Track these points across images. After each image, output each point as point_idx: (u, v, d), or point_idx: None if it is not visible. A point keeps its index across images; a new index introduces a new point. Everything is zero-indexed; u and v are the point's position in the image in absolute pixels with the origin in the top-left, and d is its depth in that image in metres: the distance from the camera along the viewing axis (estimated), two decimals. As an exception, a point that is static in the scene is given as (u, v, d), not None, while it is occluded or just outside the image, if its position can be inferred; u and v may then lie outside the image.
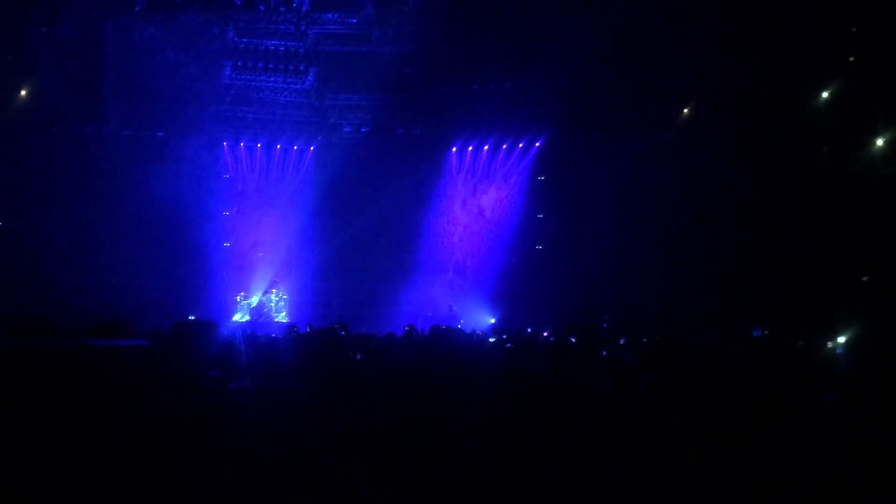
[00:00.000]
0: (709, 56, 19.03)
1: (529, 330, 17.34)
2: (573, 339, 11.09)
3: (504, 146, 25.00)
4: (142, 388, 7.68)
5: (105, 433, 6.83)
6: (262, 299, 24.58)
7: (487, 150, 25.18)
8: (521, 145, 24.75)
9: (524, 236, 24.46)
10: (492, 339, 14.55)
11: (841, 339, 13.18)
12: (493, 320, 23.51)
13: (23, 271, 20.96)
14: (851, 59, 18.12)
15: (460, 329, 18.88)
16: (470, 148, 25.26)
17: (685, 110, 21.26)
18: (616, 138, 21.61)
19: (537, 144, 24.44)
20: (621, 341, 11.28)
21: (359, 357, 10.52)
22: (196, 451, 6.86)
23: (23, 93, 21.44)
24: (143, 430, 6.93)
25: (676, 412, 6.46)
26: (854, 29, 17.59)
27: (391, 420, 7.70)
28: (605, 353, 9.09)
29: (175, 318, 16.28)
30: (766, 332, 12.39)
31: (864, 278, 17.73)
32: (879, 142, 17.90)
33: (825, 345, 12.47)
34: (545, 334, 14.18)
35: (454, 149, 25.28)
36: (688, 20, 18.61)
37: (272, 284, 24.70)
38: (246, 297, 24.75)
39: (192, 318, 21.03)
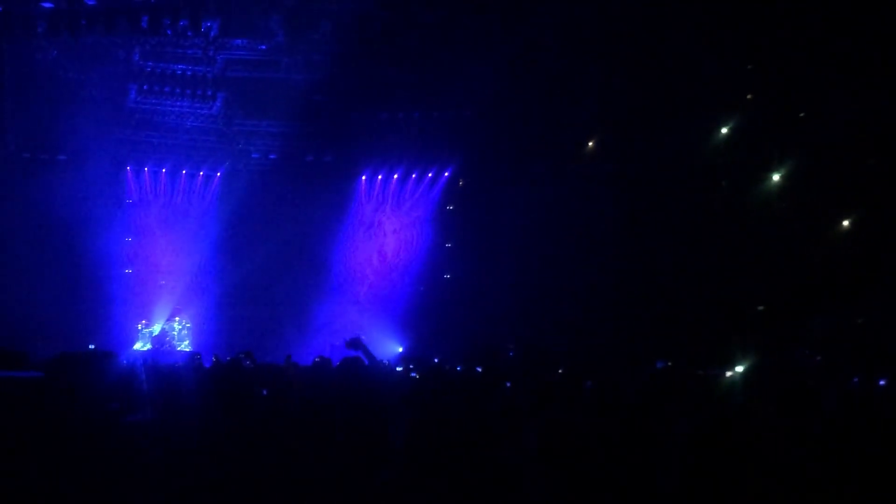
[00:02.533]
0: (611, 88, 19.47)
1: (436, 360, 17.35)
2: (479, 370, 11.13)
3: (413, 175, 25.11)
4: (34, 422, 7.45)
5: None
6: (165, 327, 24.07)
7: (397, 178, 25.24)
8: (430, 175, 24.89)
9: (432, 265, 24.54)
10: (399, 369, 14.49)
11: (739, 369, 13.50)
12: (400, 349, 23.47)
13: None
14: (749, 96, 18.77)
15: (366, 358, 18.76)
16: (379, 176, 25.30)
17: (589, 142, 21.68)
18: (523, 168, 21.89)
19: (446, 174, 24.61)
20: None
21: (265, 392, 10.38)
22: (89, 489, 6.68)
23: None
24: (34, 466, 6.72)
25: (568, 451, 6.57)
26: (750, 66, 18.24)
27: (296, 457, 7.64)
28: (508, 384, 9.17)
29: (73, 347, 15.85)
30: (668, 364, 12.63)
31: (761, 308, 18.29)
32: (775, 177, 18.54)
33: (724, 374, 12.75)
34: (457, 368, 14.20)
35: (363, 177, 25.28)
36: (590, 52, 19.05)
37: (175, 312, 24.21)
38: (148, 325, 24.18)
39: (92, 346, 20.46)
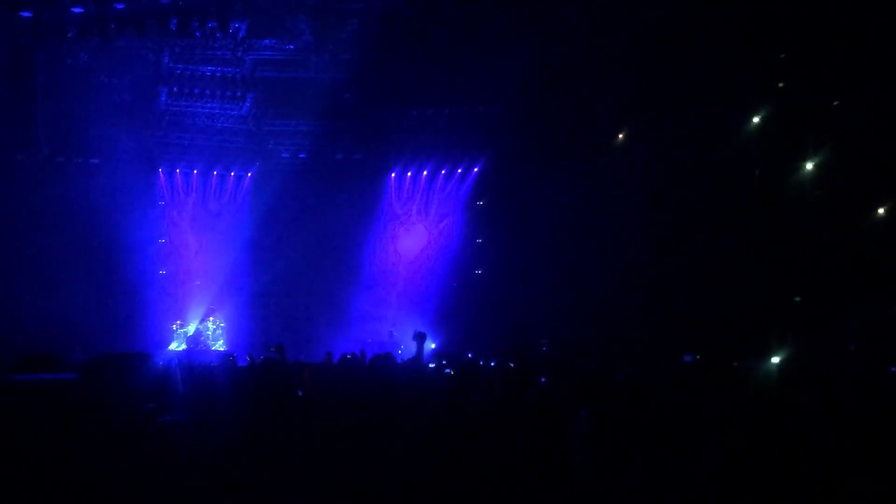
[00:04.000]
0: (642, 79, 19.31)
1: (470, 355, 17.34)
2: (512, 366, 11.11)
3: (443, 171, 25.10)
4: (70, 424, 7.50)
5: (31, 471, 6.66)
6: (199, 327, 24.25)
7: (426, 175, 25.25)
8: (459, 171, 24.86)
9: (463, 261, 24.52)
10: (432, 366, 14.49)
11: (775, 360, 13.38)
12: (433, 345, 23.47)
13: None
14: (780, 84, 18.54)
15: (399, 355, 18.81)
16: (409, 173, 25.32)
17: (620, 135, 21.53)
18: (552, 163, 21.79)
19: (476, 170, 24.57)
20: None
21: (300, 393, 10.42)
22: (125, 489, 6.72)
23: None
24: (71, 467, 6.76)
25: (611, 446, 6.53)
26: (782, 55, 18.01)
27: (329, 455, 7.64)
28: (543, 379, 9.13)
29: (109, 349, 15.98)
30: (697, 357, 12.53)
31: (797, 299, 18.07)
32: (809, 165, 18.30)
33: (759, 366, 12.65)
34: (491, 364, 14.18)
35: (393, 174, 25.32)
36: (619, 45, 18.89)
37: (209, 312, 24.39)
38: (182, 326, 24.39)
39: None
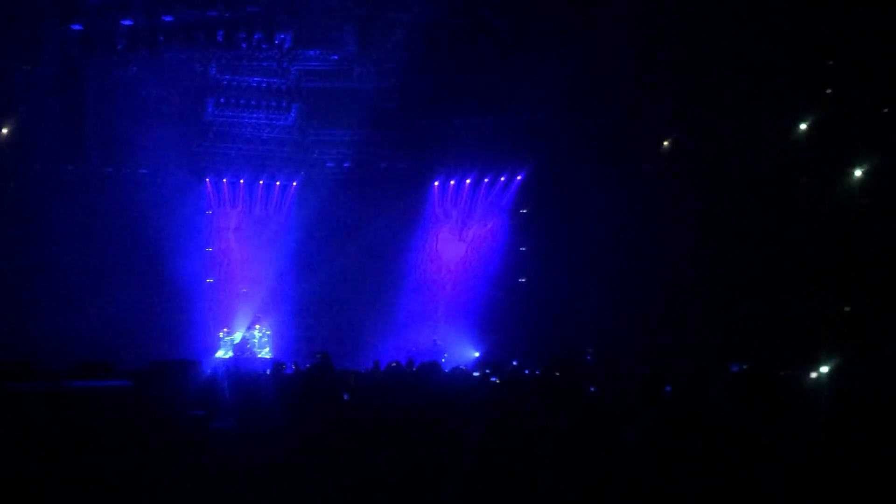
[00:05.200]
0: (688, 86, 19.17)
1: (515, 363, 17.33)
2: (557, 374, 11.08)
3: (486, 179, 25.12)
4: (123, 430, 7.62)
5: (88, 476, 6.77)
6: (246, 335, 24.48)
7: (469, 183, 25.29)
8: (502, 179, 24.86)
9: (507, 269, 24.48)
10: (476, 374, 14.51)
11: (824, 370, 13.21)
12: (477, 354, 23.47)
13: (2, 311, 20.77)
14: (829, 90, 18.31)
15: (443, 363, 18.84)
16: (452, 182, 25.37)
17: (665, 141, 21.40)
18: (597, 170, 21.70)
19: (519, 178, 24.56)
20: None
21: (346, 397, 10.47)
22: (178, 495, 6.80)
23: (4, 131, 21.37)
24: (125, 473, 6.87)
25: (666, 455, 6.47)
26: (831, 62, 17.79)
27: (378, 462, 7.66)
28: (592, 388, 9.09)
29: (158, 356, 16.20)
30: (744, 367, 12.39)
31: (847, 309, 17.81)
32: (857, 172, 18.05)
33: (807, 375, 12.49)
34: (536, 372, 14.14)
35: (436, 183, 25.39)
36: (664, 51, 18.78)
37: (255, 320, 24.62)
38: (229, 333, 24.66)
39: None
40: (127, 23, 18.84)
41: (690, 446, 6.72)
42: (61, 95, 20.95)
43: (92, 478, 6.69)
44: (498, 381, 11.43)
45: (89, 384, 8.46)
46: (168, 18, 18.88)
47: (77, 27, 18.96)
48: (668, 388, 8.45)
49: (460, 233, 25.64)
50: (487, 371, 14.35)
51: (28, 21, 18.62)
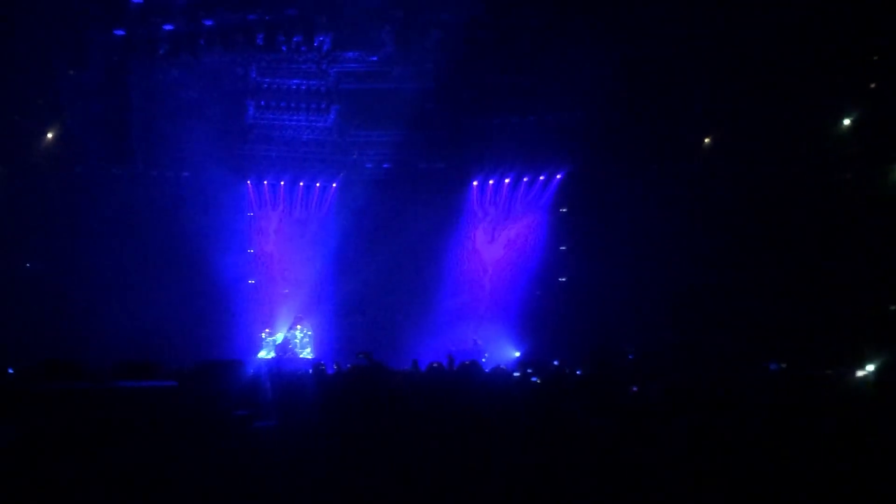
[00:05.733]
0: (727, 84, 18.99)
1: (556, 363, 17.26)
2: (599, 374, 11.04)
3: (525, 179, 25.06)
4: (169, 430, 7.72)
5: (135, 475, 6.87)
6: (287, 335, 24.66)
7: (509, 183, 25.25)
8: (542, 178, 24.79)
9: (547, 268, 24.40)
10: (516, 374, 14.46)
11: (870, 368, 13.04)
12: (517, 354, 23.42)
13: (49, 312, 21.11)
14: (872, 85, 18.02)
15: (484, 363, 18.82)
16: (491, 181, 25.35)
17: (705, 139, 21.21)
18: (637, 169, 21.59)
19: (558, 177, 24.48)
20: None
21: (387, 396, 10.50)
22: (224, 494, 6.87)
23: (50, 135, 21.73)
24: (172, 472, 6.96)
25: (704, 455, 6.44)
26: (875, 57, 17.52)
27: (419, 462, 7.69)
28: (634, 388, 9.04)
29: (201, 356, 16.37)
30: (782, 366, 12.27)
31: (893, 308, 17.54)
32: (903, 168, 17.77)
33: (853, 375, 12.35)
34: (577, 372, 14.08)
35: (475, 182, 25.38)
36: (705, 50, 18.62)
37: (297, 320, 24.79)
38: (271, 334, 24.87)
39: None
40: (169, 27, 19.08)
41: (733, 445, 6.68)
42: (105, 99, 21.26)
43: (139, 476, 6.79)
44: (539, 382, 11.40)
45: (136, 384, 8.58)
46: (209, 23, 19.09)
47: (120, 32, 19.24)
48: (711, 387, 8.41)
49: (499, 232, 25.59)
50: (528, 371, 14.29)
51: (73, 27, 18.92)
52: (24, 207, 21.47)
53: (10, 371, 13.82)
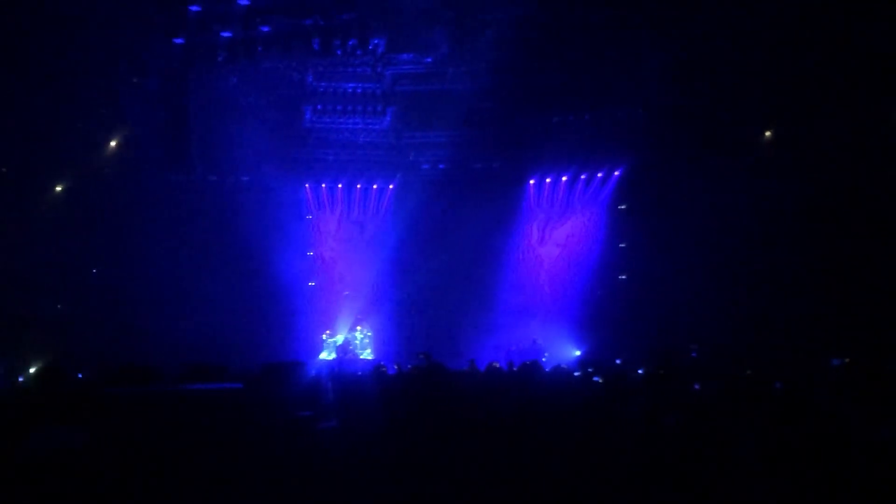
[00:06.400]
0: (787, 77, 18.68)
1: (618, 362, 17.15)
2: (662, 372, 10.93)
3: (583, 176, 24.89)
4: (237, 430, 7.82)
5: (205, 475, 6.97)
6: (348, 337, 24.86)
7: (566, 181, 25.11)
8: (599, 175, 24.60)
9: (607, 266, 24.21)
10: (577, 374, 14.41)
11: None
12: (578, 353, 23.29)
13: (115, 317, 21.55)
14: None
15: (544, 363, 18.76)
16: (548, 180, 25.23)
17: (765, 133, 20.88)
18: (696, 164, 21.31)
19: (616, 173, 24.27)
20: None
21: (447, 397, 10.53)
22: (292, 494, 6.95)
23: (113, 143, 22.16)
24: (240, 472, 7.05)
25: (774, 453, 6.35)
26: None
27: (481, 462, 7.69)
28: (697, 386, 8.93)
29: (263, 358, 16.57)
30: (845, 361, 12.03)
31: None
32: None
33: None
34: (639, 371, 13.97)
35: (532, 181, 25.30)
36: (763, 42, 18.33)
37: (357, 322, 24.97)
38: (332, 336, 25.08)
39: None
40: (227, 35, 19.35)
41: (799, 442, 6.59)
42: (165, 107, 21.61)
43: (209, 477, 6.90)
44: (601, 381, 11.33)
45: (204, 387, 8.72)
46: (266, 29, 19.34)
47: (180, 41, 19.56)
48: (778, 385, 8.29)
49: (557, 230, 25.47)
50: (590, 370, 14.22)
51: (135, 37, 19.29)
52: (89, 214, 21.93)
53: (80, 375, 14.19)
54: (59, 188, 21.68)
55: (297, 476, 7.39)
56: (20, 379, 17.05)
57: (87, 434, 7.09)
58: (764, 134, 20.78)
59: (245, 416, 8.24)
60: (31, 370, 17.93)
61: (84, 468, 6.82)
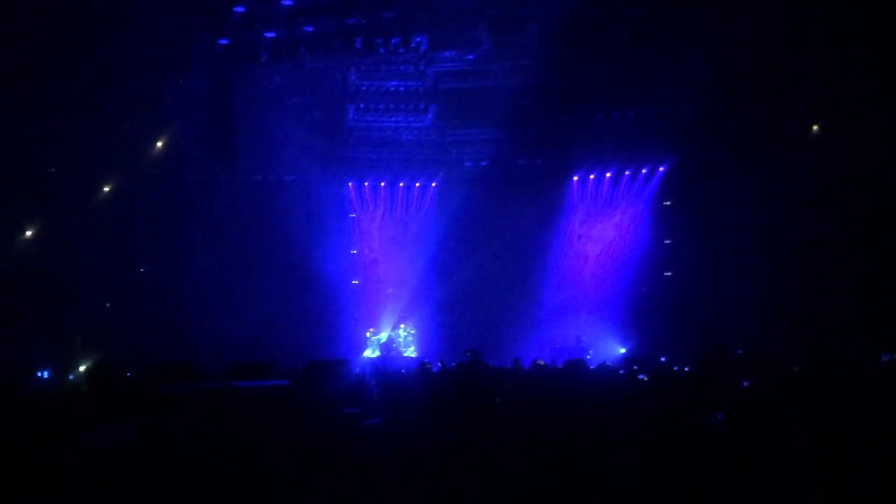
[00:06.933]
0: (834, 72, 18.38)
1: (663, 359, 17.00)
2: (708, 369, 10.82)
3: (627, 173, 24.71)
4: (286, 427, 7.89)
5: (254, 471, 7.04)
6: (391, 334, 24.96)
7: (610, 177, 24.95)
8: (644, 171, 24.41)
9: (651, 263, 24.02)
10: (622, 371, 14.30)
11: None
12: (623, 350, 23.14)
13: (163, 315, 21.84)
14: None
15: (588, 360, 18.66)
16: (592, 176, 25.09)
17: (812, 128, 20.57)
18: (741, 160, 21.06)
19: (661, 169, 24.07)
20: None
21: (492, 394, 10.53)
22: (340, 490, 6.99)
23: (159, 143, 22.43)
24: (289, 468, 7.11)
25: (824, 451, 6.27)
26: None
27: (525, 460, 7.68)
28: (745, 383, 8.84)
29: (307, 355, 16.70)
30: (895, 357, 11.81)
31: None
32: None
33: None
34: (685, 369, 13.84)
35: (575, 178, 25.18)
36: (809, 37, 18.06)
37: (400, 319, 25.05)
38: (375, 333, 25.20)
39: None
40: (270, 35, 19.49)
41: (850, 439, 6.49)
42: (211, 108, 21.83)
43: (257, 472, 6.97)
44: (646, 379, 11.25)
45: (252, 384, 8.80)
46: (309, 29, 19.43)
47: (224, 41, 19.74)
48: (827, 382, 8.18)
49: (601, 227, 25.31)
50: (635, 368, 14.11)
51: (180, 39, 19.50)
52: (136, 214, 22.25)
53: (129, 374, 14.36)
54: (106, 188, 21.97)
55: (344, 472, 7.43)
56: (70, 377, 17.33)
57: (137, 432, 7.20)
58: (811, 130, 20.48)
59: (292, 413, 8.31)
60: (81, 368, 18.20)
61: (134, 466, 6.91)
